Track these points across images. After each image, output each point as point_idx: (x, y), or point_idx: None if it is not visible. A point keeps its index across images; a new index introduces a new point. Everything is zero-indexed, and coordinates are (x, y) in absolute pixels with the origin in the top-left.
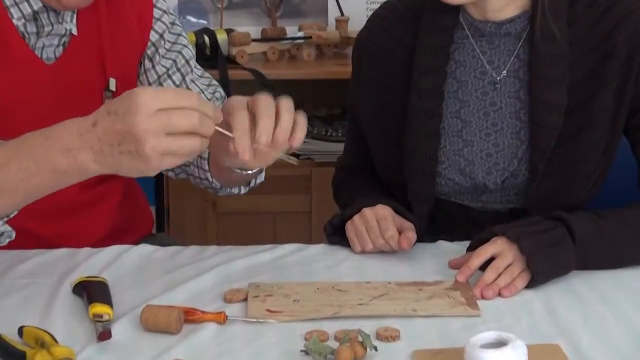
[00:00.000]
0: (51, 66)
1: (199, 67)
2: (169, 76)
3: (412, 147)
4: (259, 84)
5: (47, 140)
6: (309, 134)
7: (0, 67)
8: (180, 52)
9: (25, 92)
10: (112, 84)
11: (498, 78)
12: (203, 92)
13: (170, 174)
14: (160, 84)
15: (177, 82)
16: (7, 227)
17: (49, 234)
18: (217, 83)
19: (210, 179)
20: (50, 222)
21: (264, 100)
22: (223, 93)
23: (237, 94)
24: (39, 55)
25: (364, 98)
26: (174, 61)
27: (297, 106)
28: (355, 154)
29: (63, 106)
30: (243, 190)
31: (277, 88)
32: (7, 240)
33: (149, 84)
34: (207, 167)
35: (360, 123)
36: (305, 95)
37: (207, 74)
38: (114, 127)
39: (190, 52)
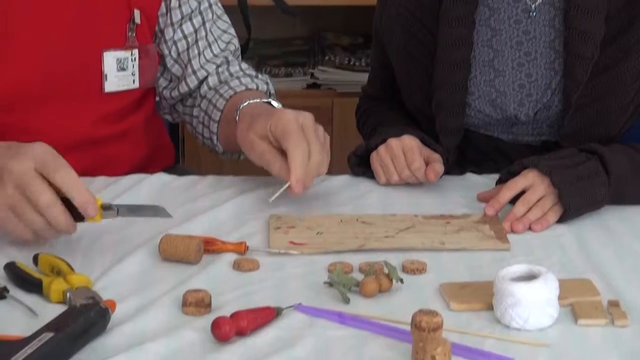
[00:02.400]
0: None
1: (219, 6)
2: (190, 19)
3: (441, 77)
4: (280, 10)
5: None
6: (330, 64)
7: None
8: None
9: (49, 25)
10: (137, 15)
11: (533, 6)
12: (216, 41)
13: (168, 117)
14: (181, 27)
15: (197, 26)
16: None
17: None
18: (233, 33)
19: (215, 142)
20: (74, 157)
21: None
22: (237, 45)
23: (257, 22)
24: None
25: (391, 26)
26: (199, 3)
27: (319, 34)
28: (381, 84)
29: (86, 40)
30: (243, 156)
31: (298, 15)
32: None
33: (171, 24)
34: (215, 130)
35: (387, 52)
36: (328, 23)
37: (225, 18)
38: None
39: None
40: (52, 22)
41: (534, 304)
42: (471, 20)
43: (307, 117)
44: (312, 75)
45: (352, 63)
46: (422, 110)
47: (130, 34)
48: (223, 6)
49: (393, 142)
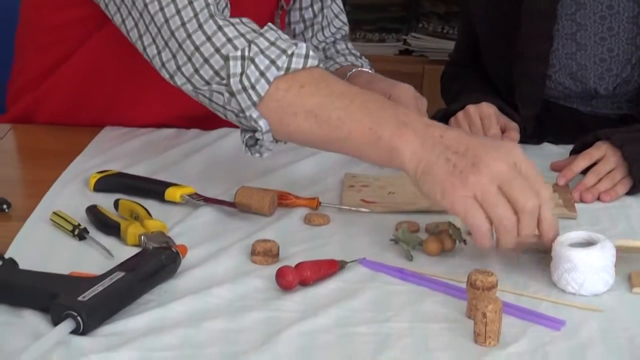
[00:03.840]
0: None
1: None
2: (312, 4)
3: (523, 49)
4: None
5: (388, 104)
6: (424, 31)
7: None
8: None
9: None
10: (283, 2)
11: None
12: (329, 25)
13: None
14: (302, 10)
15: (316, 11)
16: (272, 143)
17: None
18: (344, 19)
19: None
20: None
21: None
22: (347, 31)
23: None
24: None
25: None
26: None
27: (414, 1)
28: (466, 51)
29: None
30: None
31: None
32: (266, 153)
33: (300, 9)
34: None
35: (473, 21)
36: None
37: (339, 2)
38: (467, 141)
39: None
40: None
41: (589, 269)
42: None
43: (424, 102)
44: (404, 41)
45: (445, 31)
46: (503, 79)
47: (277, 19)
48: None
49: (471, 108)
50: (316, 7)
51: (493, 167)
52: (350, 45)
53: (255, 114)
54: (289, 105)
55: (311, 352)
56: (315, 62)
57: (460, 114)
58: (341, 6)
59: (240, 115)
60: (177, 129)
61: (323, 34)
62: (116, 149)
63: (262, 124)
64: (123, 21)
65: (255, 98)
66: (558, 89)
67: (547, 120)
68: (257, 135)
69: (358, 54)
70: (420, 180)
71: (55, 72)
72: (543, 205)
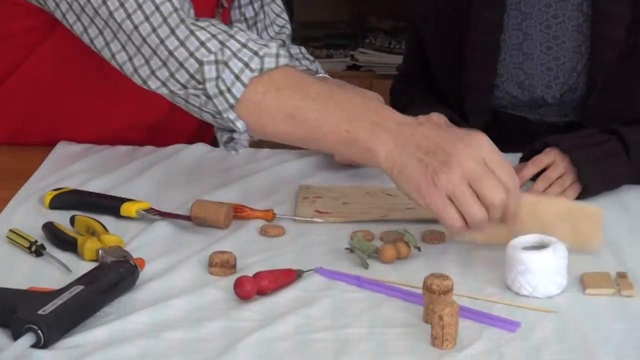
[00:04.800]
0: None
1: None
2: (251, 2)
3: (471, 59)
4: None
5: (363, 105)
6: (371, 46)
7: None
8: None
9: None
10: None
11: None
12: (272, 25)
13: None
14: (243, 11)
15: (257, 9)
16: (247, 140)
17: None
18: (286, 17)
19: None
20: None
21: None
22: (290, 30)
23: (298, 3)
24: None
25: (426, 8)
26: None
27: (363, 18)
28: (415, 63)
29: None
30: None
31: None
32: (240, 148)
33: (239, 7)
34: None
35: (421, 32)
36: (372, 6)
37: (279, 2)
38: (438, 138)
39: None
40: None
41: (542, 271)
42: (502, 4)
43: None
44: (352, 57)
45: (392, 46)
46: (452, 89)
47: (218, 17)
48: None
49: (421, 119)
50: (256, 5)
51: (463, 164)
52: (303, 49)
53: (232, 116)
54: (267, 109)
55: (271, 359)
56: (286, 60)
57: None
58: (281, 6)
59: (217, 117)
60: (132, 147)
61: (267, 33)
62: (71, 167)
63: (240, 125)
64: (85, 30)
65: (232, 101)
66: (506, 98)
67: (496, 129)
68: (235, 135)
69: (311, 58)
70: (397, 180)
71: (5, 83)
72: (510, 197)
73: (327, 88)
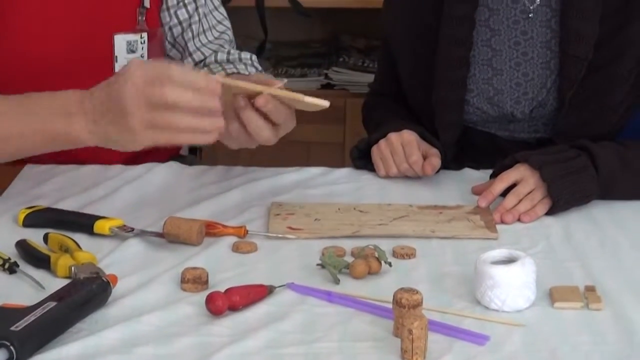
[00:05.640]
0: None
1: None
2: (185, 5)
3: (441, 75)
4: (295, 12)
5: (51, 101)
6: (345, 65)
7: None
8: None
9: (60, 8)
10: (147, 0)
11: (531, 7)
12: (211, 29)
13: None
14: (176, 13)
15: (191, 12)
16: None
17: (80, 151)
18: (229, 25)
19: None
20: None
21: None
22: (231, 36)
23: (273, 22)
24: None
25: (395, 24)
26: None
27: (336, 37)
28: (386, 80)
29: (98, 23)
30: None
31: (313, 17)
32: None
33: (167, 9)
34: None
35: (392, 49)
36: (345, 25)
37: (222, 10)
38: (107, 97)
39: None
40: (65, 6)
41: (511, 286)
42: (471, 20)
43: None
44: (326, 75)
45: (365, 64)
46: (422, 106)
47: (140, 17)
48: (240, 8)
49: (393, 136)
50: (190, 7)
51: (137, 99)
52: (254, 58)
53: None
54: None
55: None
56: None
57: (382, 142)
58: (224, 14)
59: None
60: (101, 166)
61: (206, 37)
62: (42, 186)
63: None
64: None
65: None
66: (476, 113)
67: (466, 146)
68: None
69: (259, 67)
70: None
71: None
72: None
73: (11, 100)
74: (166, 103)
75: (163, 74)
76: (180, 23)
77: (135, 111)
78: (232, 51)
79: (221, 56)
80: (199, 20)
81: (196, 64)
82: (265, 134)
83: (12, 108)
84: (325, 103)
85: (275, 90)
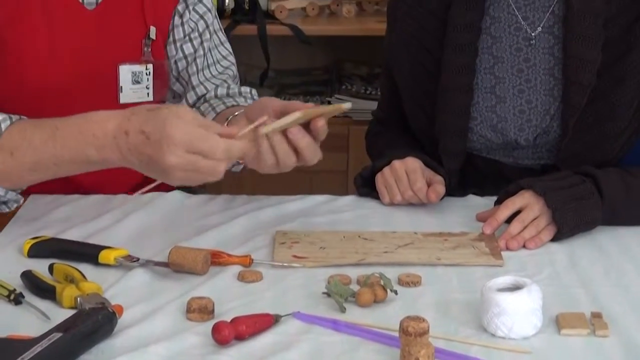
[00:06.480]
0: (93, 11)
1: (222, 34)
2: (191, 40)
3: (444, 103)
4: (298, 40)
5: (81, 135)
6: (347, 92)
7: (41, 11)
8: (202, 17)
9: (66, 37)
10: (153, 32)
11: (533, 34)
12: (215, 64)
13: None
14: (182, 47)
15: (196, 46)
16: (18, 196)
17: (85, 181)
18: (233, 61)
19: None
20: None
21: None
22: (235, 72)
23: (275, 51)
24: (80, 1)
25: (399, 52)
26: (196, 24)
27: (339, 65)
28: (389, 108)
29: (103, 53)
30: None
31: (315, 45)
32: (14, 205)
33: (174, 42)
34: None
35: (394, 77)
36: (345, 52)
37: (227, 45)
38: (144, 149)
39: (211, 18)
40: (72, 35)
41: (518, 313)
42: (474, 48)
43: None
44: (329, 103)
45: (368, 92)
46: (426, 133)
47: (145, 49)
48: (243, 36)
49: (397, 163)
50: (195, 42)
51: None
52: (254, 91)
53: None
54: (10, 173)
55: None
56: (7, 122)
57: (386, 170)
58: (229, 49)
59: None
60: (105, 195)
61: (210, 72)
62: (47, 217)
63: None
64: None
65: None
66: (480, 141)
67: (470, 173)
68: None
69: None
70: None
71: None
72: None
73: (46, 129)
74: (201, 168)
75: (203, 148)
76: (185, 57)
77: (176, 173)
78: (232, 85)
79: (221, 91)
80: (204, 54)
81: (198, 98)
82: (291, 162)
83: (45, 141)
84: (347, 105)
85: (314, 110)
